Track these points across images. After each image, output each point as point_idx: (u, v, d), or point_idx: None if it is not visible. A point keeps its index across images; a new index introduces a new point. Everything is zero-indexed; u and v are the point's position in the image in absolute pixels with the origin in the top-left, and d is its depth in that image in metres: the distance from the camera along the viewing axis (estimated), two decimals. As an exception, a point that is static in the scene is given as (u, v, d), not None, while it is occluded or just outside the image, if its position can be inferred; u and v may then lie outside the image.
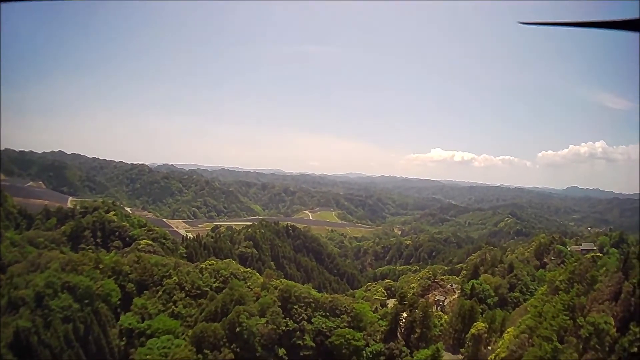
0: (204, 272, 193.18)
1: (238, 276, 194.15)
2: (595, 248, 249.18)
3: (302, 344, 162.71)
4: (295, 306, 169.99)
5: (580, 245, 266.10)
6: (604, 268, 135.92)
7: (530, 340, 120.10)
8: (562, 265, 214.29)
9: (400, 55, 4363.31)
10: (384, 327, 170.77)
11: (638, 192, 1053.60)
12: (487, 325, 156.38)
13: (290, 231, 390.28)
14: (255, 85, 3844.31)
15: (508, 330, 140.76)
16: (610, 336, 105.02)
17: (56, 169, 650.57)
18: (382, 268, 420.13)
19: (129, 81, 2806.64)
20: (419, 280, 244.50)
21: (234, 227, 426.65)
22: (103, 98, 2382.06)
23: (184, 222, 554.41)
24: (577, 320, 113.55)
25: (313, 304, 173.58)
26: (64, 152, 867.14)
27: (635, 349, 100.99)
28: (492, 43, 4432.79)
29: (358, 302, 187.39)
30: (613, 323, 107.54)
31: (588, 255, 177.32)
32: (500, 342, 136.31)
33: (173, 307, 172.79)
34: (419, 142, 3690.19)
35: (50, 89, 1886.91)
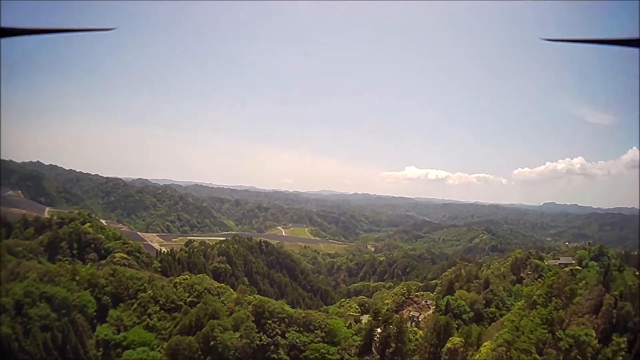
0: (178, 287, 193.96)
1: (212, 291, 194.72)
2: (573, 262, 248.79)
3: (276, 358, 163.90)
4: (269, 321, 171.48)
5: (558, 259, 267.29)
6: (584, 281, 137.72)
7: (508, 353, 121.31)
8: (539, 280, 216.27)
9: (374, 74, 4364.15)
10: (359, 342, 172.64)
11: (617, 206, 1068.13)
12: (463, 340, 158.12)
13: (264, 247, 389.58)
14: (230, 102, 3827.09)
15: (485, 344, 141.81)
16: (592, 347, 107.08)
17: (34, 179, 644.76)
18: (355, 284, 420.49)
19: (107, 93, 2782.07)
20: (393, 296, 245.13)
21: (207, 242, 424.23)
22: (81, 109, 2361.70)
23: (157, 235, 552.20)
24: (557, 333, 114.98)
25: (287, 319, 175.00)
26: (42, 162, 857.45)
27: (620, 359, 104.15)
28: (466, 61, 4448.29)
29: (332, 318, 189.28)
30: (594, 335, 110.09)
31: (567, 269, 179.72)
32: (477, 356, 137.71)
33: (148, 319, 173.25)
34: (392, 160, 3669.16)
35: (28, 99, 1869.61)
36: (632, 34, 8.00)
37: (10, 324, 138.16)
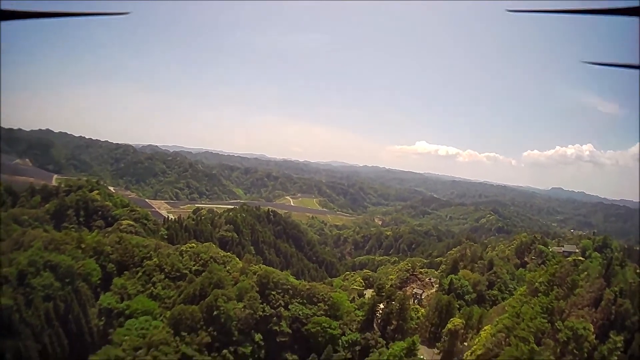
0: (184, 255, 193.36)
1: (217, 260, 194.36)
2: (577, 250, 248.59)
3: (278, 330, 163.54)
4: (273, 292, 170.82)
5: (563, 246, 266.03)
6: (586, 273, 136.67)
7: (507, 339, 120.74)
8: (542, 265, 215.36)
9: (388, 47, 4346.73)
10: (361, 317, 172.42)
11: (623, 198, 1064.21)
12: (464, 322, 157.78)
13: (271, 216, 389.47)
14: (241, 69, 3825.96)
15: (485, 328, 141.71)
16: (589, 342, 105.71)
17: (43, 147, 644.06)
18: (361, 257, 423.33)
19: (117, 60, 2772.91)
20: (397, 272, 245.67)
21: (215, 210, 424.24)
22: (91, 76, 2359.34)
23: (166, 202, 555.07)
24: (556, 323, 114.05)
25: (291, 291, 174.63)
26: (51, 130, 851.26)
27: (615, 358, 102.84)
28: (483, 39, 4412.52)
29: (336, 291, 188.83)
30: (592, 329, 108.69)
31: (570, 259, 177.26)
32: (477, 340, 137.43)
33: (152, 288, 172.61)
34: (403, 133, 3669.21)
35: (38, 67, 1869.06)
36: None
37: (12, 294, 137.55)
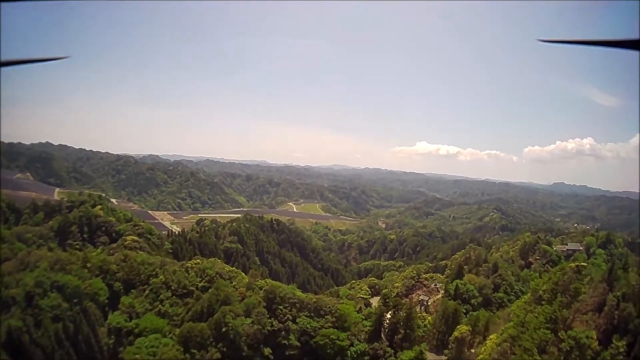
0: (190, 271, 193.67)
1: (223, 276, 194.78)
2: (581, 248, 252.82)
3: (287, 343, 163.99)
4: (280, 307, 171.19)
5: (566, 244, 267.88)
6: (589, 277, 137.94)
7: (512, 349, 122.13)
8: (547, 265, 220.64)
9: (387, 48, 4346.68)
10: (368, 328, 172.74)
11: (626, 190, 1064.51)
12: (471, 327, 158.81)
13: (275, 225, 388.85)
14: (241, 76, 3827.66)
15: (491, 337, 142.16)
16: (592, 349, 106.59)
17: (43, 161, 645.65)
18: (366, 263, 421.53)
19: (115, 72, 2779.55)
20: (402, 279, 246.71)
21: (218, 220, 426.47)
22: (90, 88, 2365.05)
23: (169, 213, 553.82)
24: (559, 333, 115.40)
25: (298, 305, 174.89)
26: (51, 143, 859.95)
27: None
28: (481, 38, 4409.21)
29: (342, 303, 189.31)
30: (595, 337, 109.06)
31: (572, 265, 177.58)
32: (483, 349, 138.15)
33: (160, 306, 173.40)
34: (404, 134, 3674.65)
35: (38, 79, 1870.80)
36: (632, 35, 7.94)
37: (21, 316, 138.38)
